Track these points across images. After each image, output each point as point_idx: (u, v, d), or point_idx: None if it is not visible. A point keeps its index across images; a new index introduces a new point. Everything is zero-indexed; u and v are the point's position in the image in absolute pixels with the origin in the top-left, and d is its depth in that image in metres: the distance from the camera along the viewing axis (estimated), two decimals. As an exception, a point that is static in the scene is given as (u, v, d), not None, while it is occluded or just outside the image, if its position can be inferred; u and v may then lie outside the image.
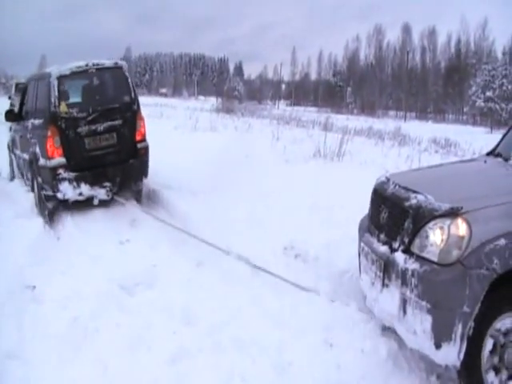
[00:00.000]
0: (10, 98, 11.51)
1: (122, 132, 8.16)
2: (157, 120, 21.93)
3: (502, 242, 3.30)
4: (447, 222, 3.44)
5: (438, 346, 3.45)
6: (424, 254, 3.53)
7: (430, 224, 3.53)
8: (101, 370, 3.49)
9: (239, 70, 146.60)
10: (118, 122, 8.10)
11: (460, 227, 3.38)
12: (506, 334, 3.46)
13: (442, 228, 3.46)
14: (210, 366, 3.56)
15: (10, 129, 10.33)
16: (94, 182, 7.76)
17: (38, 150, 7.83)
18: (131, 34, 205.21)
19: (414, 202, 3.76)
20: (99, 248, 6.03)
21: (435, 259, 3.45)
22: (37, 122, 8.15)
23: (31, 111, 8.70)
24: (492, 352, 3.46)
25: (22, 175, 9.21)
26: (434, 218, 3.51)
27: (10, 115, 9.44)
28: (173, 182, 8.90)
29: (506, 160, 4.50)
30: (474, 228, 3.35)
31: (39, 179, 7.81)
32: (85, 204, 7.82)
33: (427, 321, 3.46)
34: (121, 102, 8.32)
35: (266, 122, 23.44)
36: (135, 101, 8.40)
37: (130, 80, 8.54)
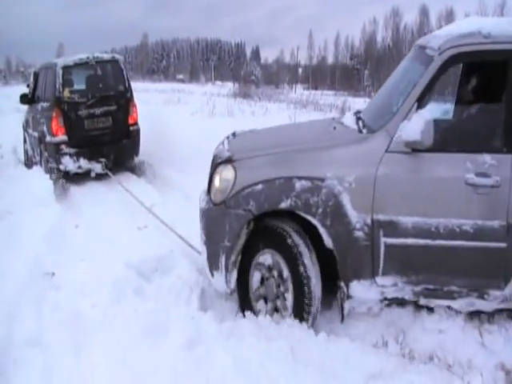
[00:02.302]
0: (28, 86, 11.72)
1: (116, 116, 9.64)
2: (173, 106, 21.95)
3: (259, 187, 3.80)
4: (222, 168, 4.06)
5: (211, 274, 4.14)
6: (210, 195, 4.15)
7: (216, 170, 4.13)
8: (119, 356, 3.49)
9: (256, 54, 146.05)
10: (113, 108, 9.60)
11: (228, 173, 3.97)
12: (268, 268, 3.97)
13: (218, 173, 4.08)
14: (228, 350, 3.55)
15: None
16: (91, 158, 9.24)
17: (45, 128, 9.25)
18: (148, 20, 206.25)
19: (215, 151, 4.56)
20: (117, 234, 6.07)
21: (212, 199, 4.09)
22: (45, 104, 9.64)
23: (41, 96, 10.14)
24: (259, 283, 4.05)
25: (33, 151, 10.29)
26: (219, 164, 4.12)
27: (24, 98, 10.87)
28: (188, 167, 8.99)
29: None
30: (239, 174, 3.91)
31: (45, 154, 9.27)
32: (102, 193, 8.06)
33: (204, 252, 4.19)
34: (116, 90, 9.81)
35: (283, 107, 23.36)
36: (129, 89, 9.88)
37: (124, 72, 9.99)
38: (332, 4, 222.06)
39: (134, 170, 10.07)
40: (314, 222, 3.75)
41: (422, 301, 3.81)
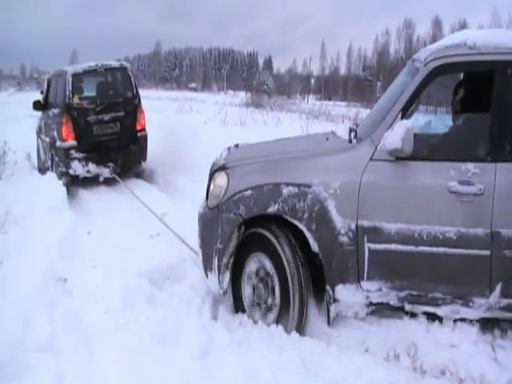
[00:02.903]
0: (42, 92, 11.83)
1: (124, 122, 9.83)
2: (186, 115, 22.04)
3: (249, 192, 3.98)
4: (217, 174, 4.29)
5: (206, 275, 4.33)
6: (207, 201, 4.36)
7: (212, 176, 4.38)
8: (131, 362, 3.50)
9: (268, 64, 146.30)
10: (121, 114, 9.78)
11: (221, 179, 4.19)
12: (256, 270, 4.12)
13: (214, 179, 4.32)
14: (239, 359, 3.55)
15: None
16: (99, 162, 9.42)
17: (55, 134, 9.46)
18: (161, 29, 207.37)
19: (214, 160, 4.68)
20: (129, 242, 6.06)
21: (208, 204, 4.31)
22: (56, 111, 9.86)
23: (53, 102, 10.38)
24: (249, 284, 4.20)
25: (45, 156, 10.42)
26: (215, 171, 4.36)
27: (37, 105, 11.03)
28: (200, 175, 9.01)
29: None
30: (231, 180, 4.13)
31: (56, 158, 9.50)
32: (114, 200, 8.23)
33: (200, 254, 4.42)
34: (124, 96, 10.03)
35: (296, 117, 23.44)
36: (136, 96, 10.09)
37: (132, 79, 10.21)
38: (345, 15, 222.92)
39: (145, 177, 10.17)
40: (301, 226, 3.88)
41: (407, 306, 3.85)
